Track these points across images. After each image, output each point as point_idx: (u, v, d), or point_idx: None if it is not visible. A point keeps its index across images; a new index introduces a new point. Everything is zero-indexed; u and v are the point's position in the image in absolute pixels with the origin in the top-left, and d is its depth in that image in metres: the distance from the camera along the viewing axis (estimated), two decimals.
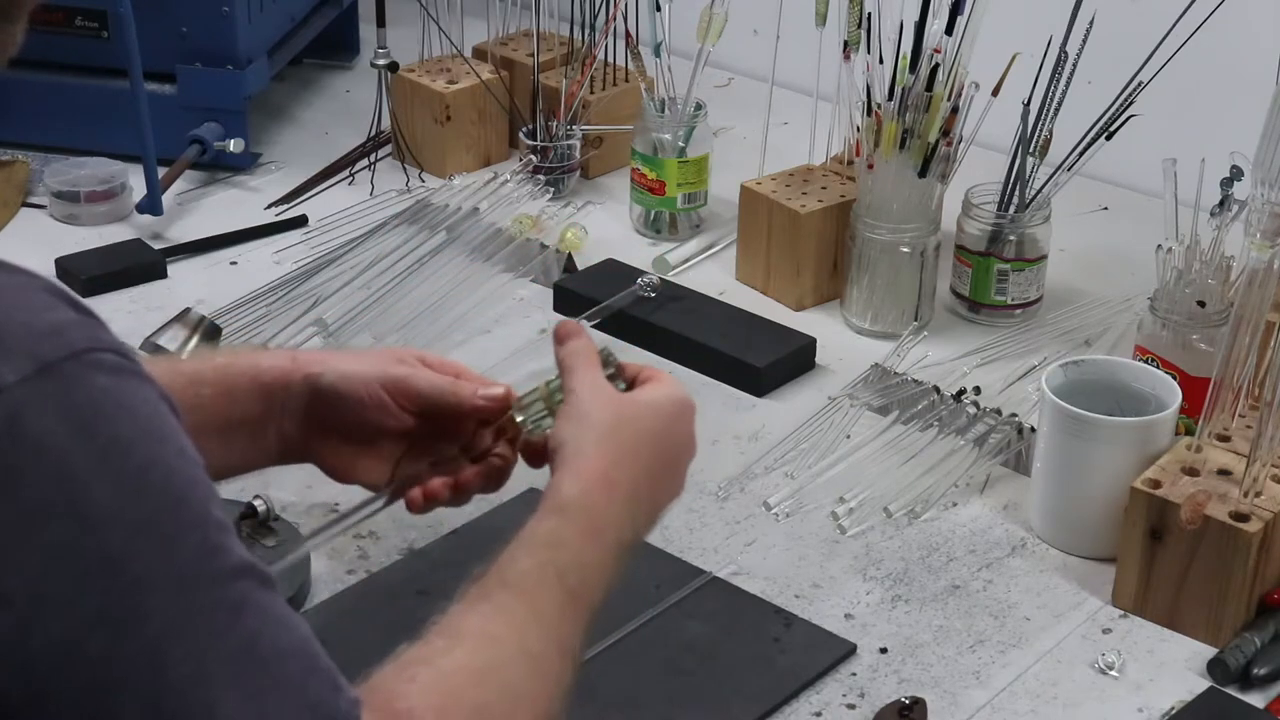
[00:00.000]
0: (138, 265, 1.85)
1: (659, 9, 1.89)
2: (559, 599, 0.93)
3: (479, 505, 1.29)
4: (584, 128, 2.02)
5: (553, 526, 0.96)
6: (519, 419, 1.09)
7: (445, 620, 0.90)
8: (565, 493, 0.98)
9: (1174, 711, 1.29)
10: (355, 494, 1.48)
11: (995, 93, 1.71)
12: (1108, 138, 1.70)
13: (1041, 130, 1.72)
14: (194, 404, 1.08)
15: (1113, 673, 1.32)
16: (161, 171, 1.94)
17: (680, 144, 1.91)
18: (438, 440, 1.13)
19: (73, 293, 0.77)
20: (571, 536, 0.96)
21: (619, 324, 1.75)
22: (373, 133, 2.10)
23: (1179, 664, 1.33)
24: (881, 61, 1.71)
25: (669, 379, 1.07)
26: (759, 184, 1.84)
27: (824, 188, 1.83)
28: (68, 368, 0.73)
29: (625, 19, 1.99)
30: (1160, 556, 1.35)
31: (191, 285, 1.83)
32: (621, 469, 1.00)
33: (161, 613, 0.73)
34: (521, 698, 0.88)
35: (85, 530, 0.71)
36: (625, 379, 1.07)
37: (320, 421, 1.11)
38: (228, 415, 1.10)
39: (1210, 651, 1.33)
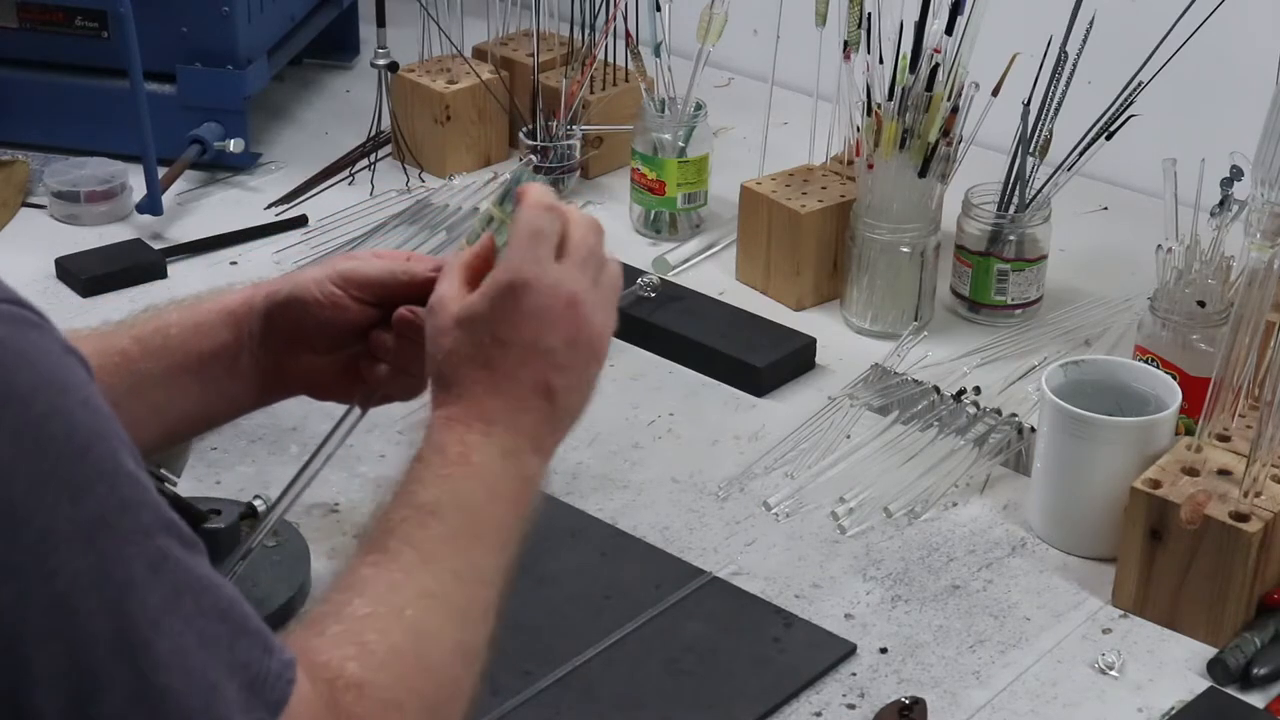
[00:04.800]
0: (138, 265, 1.85)
1: (659, 9, 1.89)
2: (441, 535, 0.92)
3: None
4: (584, 128, 2.02)
5: (418, 471, 0.95)
6: None
7: (344, 575, 0.91)
8: (423, 436, 0.97)
9: (1174, 711, 1.29)
10: (356, 494, 1.49)
11: (995, 93, 1.71)
12: (1108, 138, 1.70)
13: (1041, 130, 1.72)
14: (162, 348, 1.07)
15: (1113, 673, 1.32)
16: (161, 171, 1.94)
17: (680, 144, 1.91)
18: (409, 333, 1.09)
19: None
20: (434, 476, 0.95)
21: (619, 324, 1.74)
22: (373, 133, 2.10)
23: (1179, 664, 1.33)
24: (881, 61, 1.71)
25: (513, 246, 1.00)
26: (759, 184, 1.84)
27: (824, 188, 1.83)
28: None
29: (625, 19, 1.99)
30: (1160, 556, 1.35)
31: (192, 285, 1.83)
32: (478, 390, 0.97)
33: (69, 565, 0.71)
34: (428, 634, 0.89)
35: None
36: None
37: (286, 337, 1.09)
38: (199, 350, 1.08)
39: (1210, 651, 1.33)
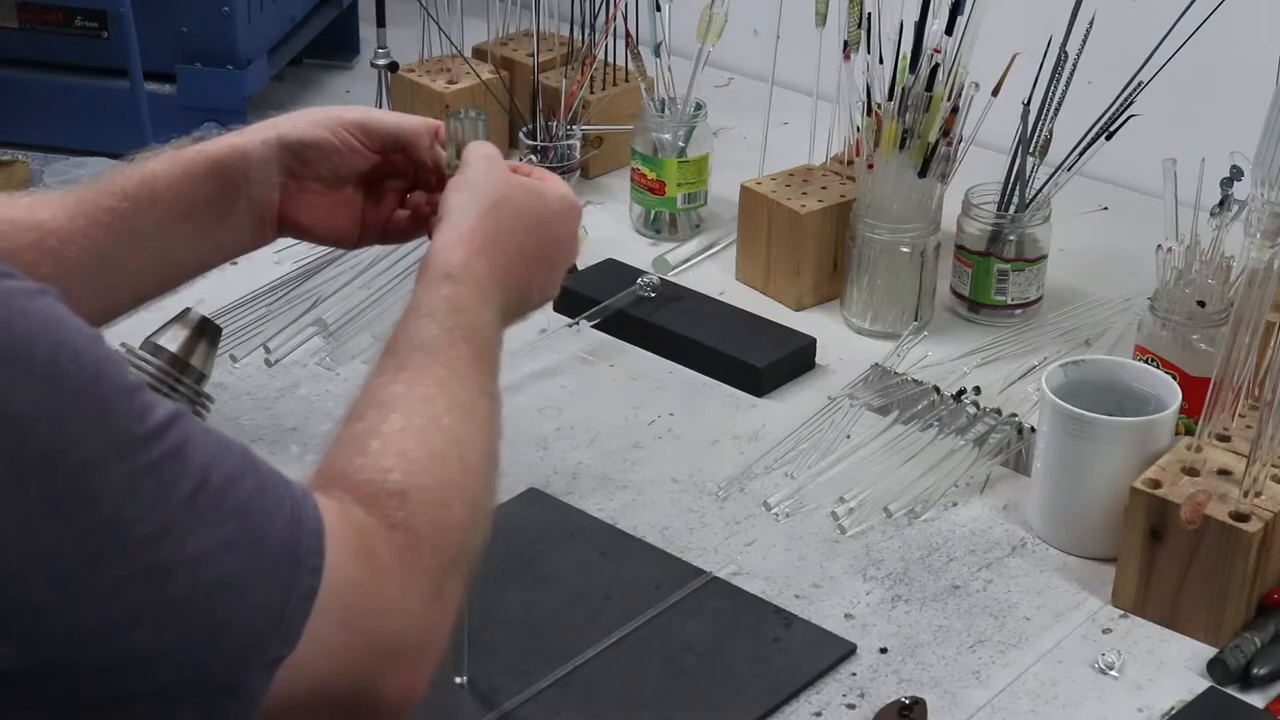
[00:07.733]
0: None
1: (659, 9, 1.89)
2: (468, 355, 0.99)
3: None
4: (584, 128, 2.02)
5: (449, 294, 1.01)
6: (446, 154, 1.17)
7: (370, 394, 0.95)
8: (453, 260, 1.03)
9: (1174, 711, 1.29)
10: None
11: (995, 93, 1.71)
12: (1108, 138, 1.70)
13: (1041, 130, 1.72)
14: (149, 201, 1.12)
15: (1113, 673, 1.32)
16: None
17: (680, 144, 1.91)
18: (391, 179, 1.20)
19: None
20: (466, 301, 1.01)
21: (619, 324, 1.75)
22: None
23: (1179, 664, 1.33)
24: (881, 61, 1.71)
25: (560, 182, 1.14)
26: (759, 184, 1.84)
27: (824, 188, 1.83)
28: None
29: (625, 19, 1.99)
30: (1160, 556, 1.35)
31: (191, 285, 1.82)
32: (499, 243, 1.06)
33: (111, 485, 0.74)
34: (464, 441, 0.94)
35: (12, 435, 0.72)
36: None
37: (294, 177, 1.15)
38: (190, 202, 1.13)
39: (1210, 651, 1.33)
